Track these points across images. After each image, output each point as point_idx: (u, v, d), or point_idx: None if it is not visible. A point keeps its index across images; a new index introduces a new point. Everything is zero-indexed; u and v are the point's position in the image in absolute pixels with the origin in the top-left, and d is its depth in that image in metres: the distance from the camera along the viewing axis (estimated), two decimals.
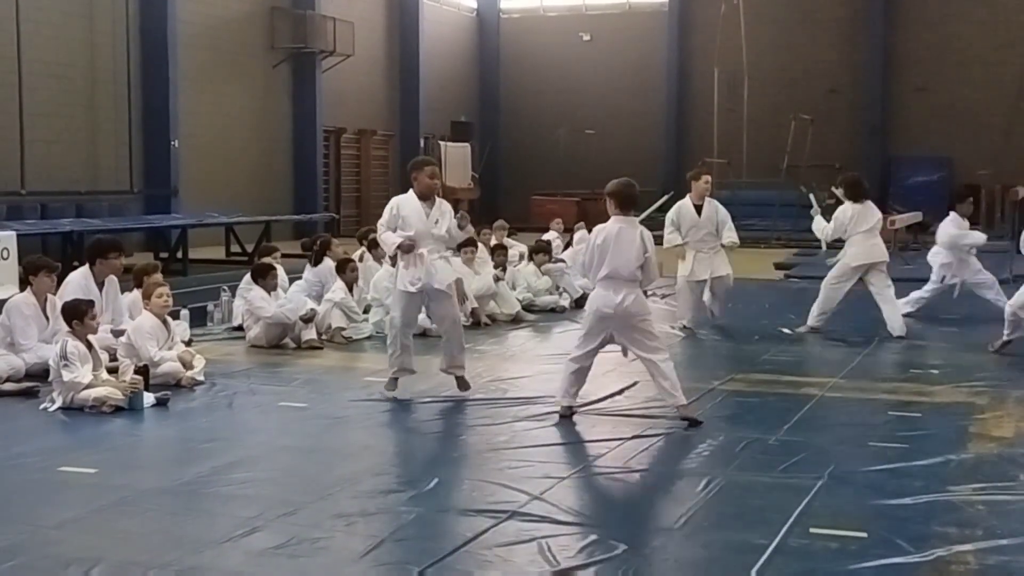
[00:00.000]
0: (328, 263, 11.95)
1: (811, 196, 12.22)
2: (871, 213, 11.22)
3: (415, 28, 30.02)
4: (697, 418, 7.29)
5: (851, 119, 30.70)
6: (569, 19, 34.12)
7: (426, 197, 8.09)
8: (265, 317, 10.41)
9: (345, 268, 11.41)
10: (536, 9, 34.77)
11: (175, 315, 9.75)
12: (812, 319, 11.34)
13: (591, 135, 31.96)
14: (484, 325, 11.77)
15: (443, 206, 8.18)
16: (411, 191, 8.15)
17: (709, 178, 11.65)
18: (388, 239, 8.08)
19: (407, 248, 7.92)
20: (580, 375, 7.51)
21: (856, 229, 11.12)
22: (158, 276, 9.67)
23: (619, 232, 7.22)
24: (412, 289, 7.96)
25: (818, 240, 11.97)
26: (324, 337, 10.67)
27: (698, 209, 11.45)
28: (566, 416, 7.44)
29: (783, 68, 30.49)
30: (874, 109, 30.80)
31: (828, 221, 11.42)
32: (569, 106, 32.84)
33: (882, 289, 11.17)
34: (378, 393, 8.15)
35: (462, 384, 8.22)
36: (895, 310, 11.17)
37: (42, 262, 9.34)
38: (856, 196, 11.28)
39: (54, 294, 9.17)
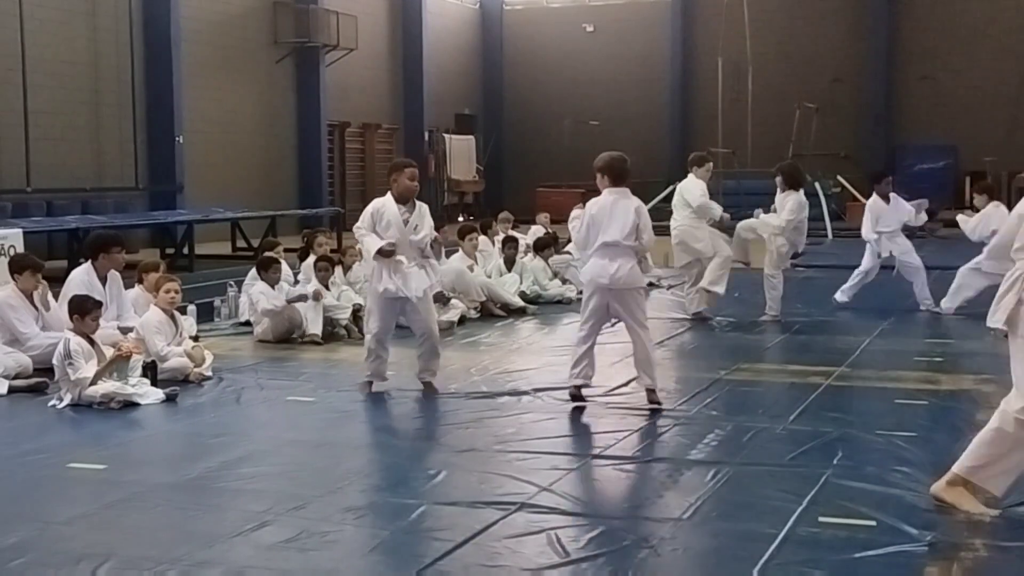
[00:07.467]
0: (309, 260, 11.77)
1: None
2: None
3: (418, 21, 29.99)
4: (661, 406, 7.33)
5: (856, 108, 30.61)
6: (572, 10, 34.05)
7: (405, 200, 7.99)
8: (264, 309, 10.40)
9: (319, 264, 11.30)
10: (539, 1, 34.72)
11: (182, 310, 9.76)
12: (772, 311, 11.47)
13: (595, 126, 31.89)
14: (498, 315, 11.96)
15: (422, 209, 8.08)
16: (389, 194, 8.04)
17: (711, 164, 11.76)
18: (369, 243, 7.93)
19: (387, 254, 7.85)
20: (588, 353, 7.52)
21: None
22: (164, 272, 9.68)
23: (613, 203, 7.36)
24: (388, 296, 7.91)
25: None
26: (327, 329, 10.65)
27: None
28: (576, 397, 7.46)
29: (787, 57, 30.40)
30: (879, 97, 30.71)
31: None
32: (573, 97, 32.78)
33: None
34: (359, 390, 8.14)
35: (429, 388, 8.11)
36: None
37: (28, 261, 9.32)
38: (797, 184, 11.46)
39: (38, 291, 9.15)
